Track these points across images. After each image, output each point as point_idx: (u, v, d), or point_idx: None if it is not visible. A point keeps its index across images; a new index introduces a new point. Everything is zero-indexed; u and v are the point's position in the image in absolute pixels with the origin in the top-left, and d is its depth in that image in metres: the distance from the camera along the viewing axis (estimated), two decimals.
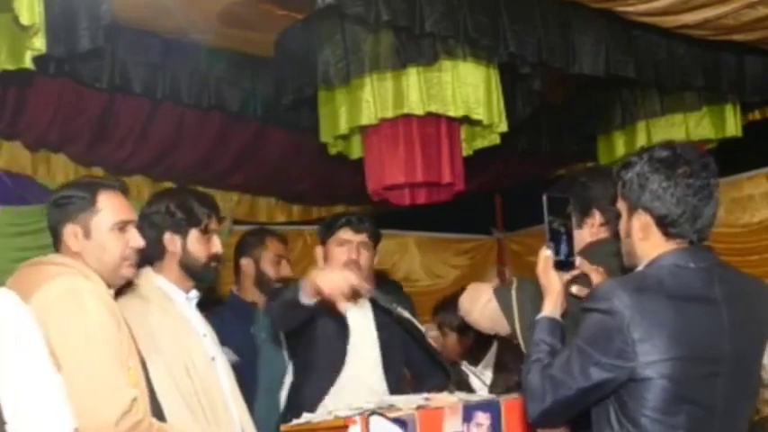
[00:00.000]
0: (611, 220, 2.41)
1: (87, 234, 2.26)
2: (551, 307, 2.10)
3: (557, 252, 2.17)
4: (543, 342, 2.02)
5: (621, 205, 2.04)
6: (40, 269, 2.21)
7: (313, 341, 3.03)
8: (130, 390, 2.07)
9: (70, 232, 2.26)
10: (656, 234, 1.96)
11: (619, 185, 2.04)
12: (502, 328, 2.47)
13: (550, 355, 1.99)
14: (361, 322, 3.09)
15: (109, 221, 2.28)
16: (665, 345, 1.85)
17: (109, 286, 2.27)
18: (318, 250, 3.18)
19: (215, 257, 2.65)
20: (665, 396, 1.85)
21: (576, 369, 1.88)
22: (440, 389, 2.93)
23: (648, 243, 1.97)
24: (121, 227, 2.30)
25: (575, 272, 2.21)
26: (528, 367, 2.00)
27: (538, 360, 1.99)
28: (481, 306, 2.49)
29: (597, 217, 2.48)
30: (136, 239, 2.31)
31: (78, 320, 2.07)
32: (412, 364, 3.23)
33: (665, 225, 1.94)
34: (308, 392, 2.95)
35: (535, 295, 2.35)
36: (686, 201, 1.92)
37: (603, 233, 2.48)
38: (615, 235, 2.42)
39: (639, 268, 2.01)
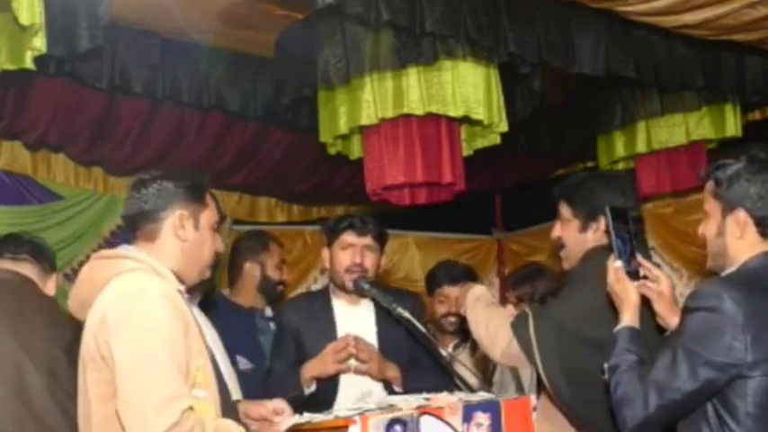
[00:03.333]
0: None
1: (197, 225, 2.17)
2: (630, 317, 2.10)
3: (625, 262, 2.17)
4: (629, 351, 2.02)
5: (713, 205, 2.05)
6: (114, 263, 2.09)
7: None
8: (183, 400, 1.89)
9: (180, 219, 2.14)
10: (753, 234, 1.98)
11: (710, 185, 2.05)
12: (524, 365, 2.53)
13: (641, 364, 1.99)
14: (359, 327, 3.07)
15: (212, 219, 2.22)
16: None
17: (186, 286, 2.18)
18: (325, 253, 3.16)
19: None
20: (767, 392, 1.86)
21: (684, 370, 1.87)
22: (439, 389, 2.93)
23: (744, 242, 1.99)
24: (217, 228, 2.26)
25: (643, 281, 2.21)
26: (619, 378, 1.99)
27: (630, 369, 1.99)
28: (502, 347, 2.52)
29: (602, 223, 2.48)
30: (220, 243, 2.27)
31: (138, 324, 1.93)
32: (413, 365, 3.22)
33: (765, 225, 1.97)
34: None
35: (555, 329, 2.38)
36: None
37: (606, 239, 2.48)
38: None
39: (732, 269, 2.01)
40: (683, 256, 5.02)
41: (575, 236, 2.56)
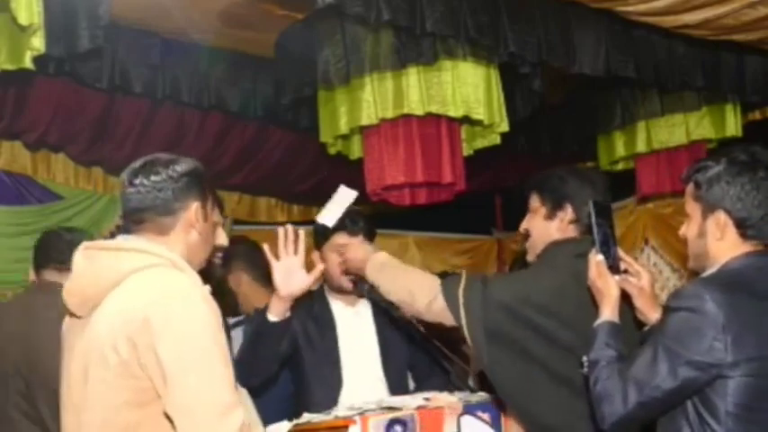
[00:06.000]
0: (582, 218, 2.42)
1: (206, 216, 2.04)
2: (610, 311, 2.09)
3: (606, 256, 2.16)
4: (609, 347, 2.02)
5: (693, 207, 2.06)
6: (126, 256, 1.91)
7: (303, 372, 2.97)
8: (241, 410, 1.82)
9: (196, 210, 1.99)
10: (733, 235, 1.99)
11: (690, 187, 2.06)
12: (448, 321, 2.42)
13: (620, 360, 1.98)
14: (359, 328, 3.06)
15: (213, 207, 2.11)
16: (754, 344, 1.86)
17: None
18: (315, 256, 3.09)
19: (218, 249, 2.57)
20: (749, 393, 1.86)
21: (664, 369, 1.87)
22: (439, 389, 2.92)
23: (725, 244, 1.99)
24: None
25: (624, 275, 2.20)
26: (598, 373, 1.98)
27: (609, 364, 1.98)
28: (427, 303, 2.43)
29: (569, 212, 2.47)
30: (224, 238, 2.16)
31: (188, 326, 1.80)
32: (414, 367, 3.21)
33: (745, 227, 1.97)
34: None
35: (481, 291, 2.34)
36: (767, 203, 1.96)
37: (572, 230, 2.48)
38: (583, 234, 2.43)
39: (713, 269, 2.01)
40: (683, 256, 5.00)
41: (540, 224, 2.53)
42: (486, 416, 2.40)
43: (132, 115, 4.22)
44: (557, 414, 2.28)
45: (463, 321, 2.34)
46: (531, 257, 2.58)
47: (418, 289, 2.46)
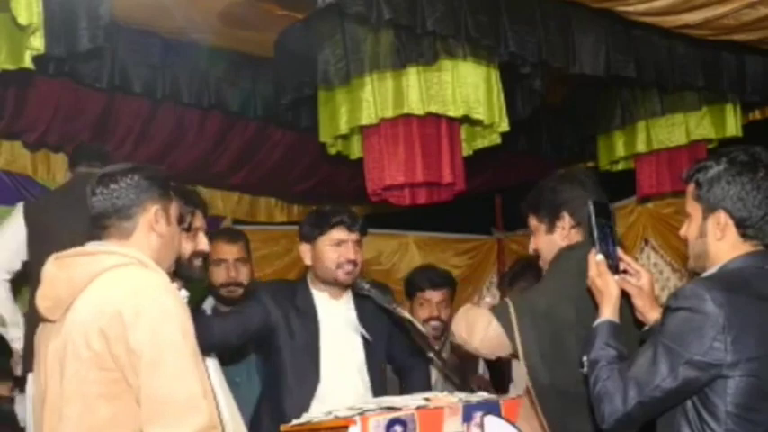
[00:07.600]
0: (582, 221, 2.44)
1: (169, 219, 2.13)
2: (610, 311, 2.10)
3: (606, 256, 2.17)
4: (609, 346, 2.02)
5: (694, 206, 2.06)
6: (97, 259, 2.01)
7: (280, 362, 2.99)
8: (207, 403, 1.88)
9: (155, 213, 2.09)
10: (733, 235, 1.99)
11: (691, 187, 2.06)
12: (504, 350, 2.45)
13: (620, 359, 1.99)
14: (342, 321, 3.07)
15: (177, 211, 2.20)
16: (754, 344, 1.86)
17: None
18: (305, 249, 3.11)
19: (199, 254, 2.57)
20: (749, 393, 1.86)
21: (665, 368, 1.87)
22: (423, 381, 2.96)
23: (725, 244, 2.00)
24: (181, 221, 2.26)
25: (623, 275, 2.20)
26: (599, 373, 1.99)
27: (609, 364, 1.98)
28: (482, 331, 2.44)
29: (567, 219, 2.51)
30: (205, 243, 2.30)
31: (162, 320, 1.89)
32: (394, 359, 3.23)
33: (746, 227, 1.98)
34: (289, 406, 2.88)
35: (530, 310, 2.37)
36: (767, 203, 1.97)
37: (575, 235, 2.50)
38: (587, 236, 2.44)
39: (713, 269, 2.01)
40: (683, 256, 5.00)
41: (544, 239, 2.57)
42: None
43: (132, 115, 4.21)
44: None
45: (518, 343, 2.36)
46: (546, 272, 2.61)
47: (474, 321, 2.48)
